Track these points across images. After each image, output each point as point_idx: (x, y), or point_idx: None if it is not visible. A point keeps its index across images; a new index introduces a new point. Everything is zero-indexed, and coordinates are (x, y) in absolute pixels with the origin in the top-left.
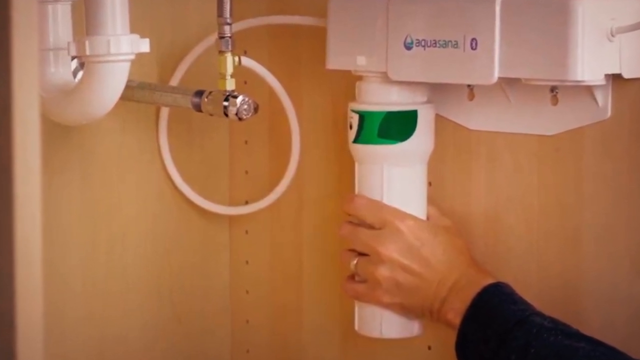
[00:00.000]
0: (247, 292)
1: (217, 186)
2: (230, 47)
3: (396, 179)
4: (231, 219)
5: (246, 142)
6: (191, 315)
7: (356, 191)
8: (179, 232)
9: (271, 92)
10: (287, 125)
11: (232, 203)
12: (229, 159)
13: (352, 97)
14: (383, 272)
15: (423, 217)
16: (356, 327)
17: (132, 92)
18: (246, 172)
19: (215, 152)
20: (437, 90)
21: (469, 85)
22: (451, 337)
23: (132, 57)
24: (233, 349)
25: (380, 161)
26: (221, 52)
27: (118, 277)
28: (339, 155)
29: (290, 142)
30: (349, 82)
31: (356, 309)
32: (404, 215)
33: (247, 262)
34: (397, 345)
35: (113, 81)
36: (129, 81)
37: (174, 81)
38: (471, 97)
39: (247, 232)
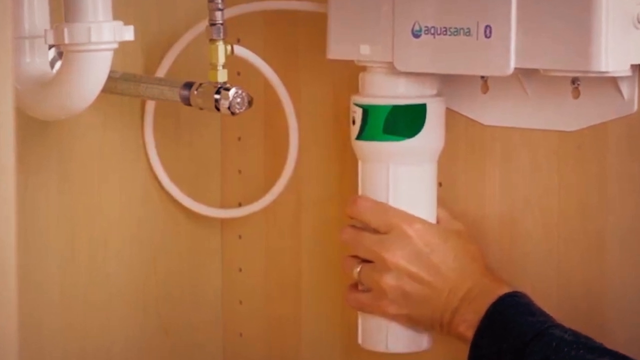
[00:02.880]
0: (241, 302)
1: (208, 187)
2: (222, 35)
3: (403, 178)
4: (223, 222)
5: (239, 138)
6: (179, 327)
7: (359, 192)
8: (166, 236)
9: (267, 84)
10: (284, 120)
11: (224, 205)
12: (220, 157)
13: (356, 90)
14: (389, 280)
15: (432, 220)
16: (359, 341)
17: (115, 84)
18: (239, 171)
19: (205, 150)
20: (448, 82)
21: (482, 77)
22: (463, 351)
23: (115, 45)
24: None
25: (386, 159)
26: (212, 41)
27: (100, 285)
28: (341, 153)
29: (287, 138)
30: (352, 73)
31: (359, 320)
32: (412, 219)
33: (240, 269)
34: None
35: (94, 72)
36: (111, 72)
37: (161, 72)
38: (485, 89)
39: (240, 236)
